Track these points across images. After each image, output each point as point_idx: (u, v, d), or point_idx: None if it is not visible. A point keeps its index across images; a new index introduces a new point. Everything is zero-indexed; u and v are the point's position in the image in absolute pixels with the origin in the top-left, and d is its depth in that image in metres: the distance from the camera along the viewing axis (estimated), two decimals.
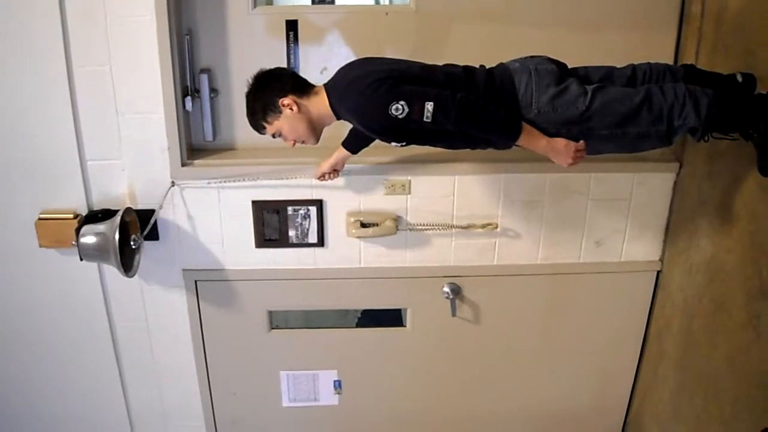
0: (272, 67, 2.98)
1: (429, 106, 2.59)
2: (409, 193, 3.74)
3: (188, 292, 3.95)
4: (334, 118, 2.91)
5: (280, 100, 2.86)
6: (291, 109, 2.86)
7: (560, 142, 2.71)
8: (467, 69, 2.84)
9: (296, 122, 2.91)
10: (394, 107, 2.60)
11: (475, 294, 4.04)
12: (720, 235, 3.36)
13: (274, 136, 2.99)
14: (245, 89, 2.95)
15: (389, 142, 2.86)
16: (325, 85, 2.92)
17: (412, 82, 2.68)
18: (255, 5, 3.60)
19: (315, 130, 2.97)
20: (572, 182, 3.75)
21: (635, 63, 3.00)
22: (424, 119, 2.61)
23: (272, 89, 2.88)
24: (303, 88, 2.92)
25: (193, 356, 4.14)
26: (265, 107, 2.89)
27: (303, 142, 3.00)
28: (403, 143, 2.86)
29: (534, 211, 3.82)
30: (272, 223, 3.79)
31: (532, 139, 2.71)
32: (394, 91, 2.62)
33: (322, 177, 3.51)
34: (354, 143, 3.35)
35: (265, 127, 2.96)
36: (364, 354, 4.25)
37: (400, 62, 2.84)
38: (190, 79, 3.62)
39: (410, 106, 2.60)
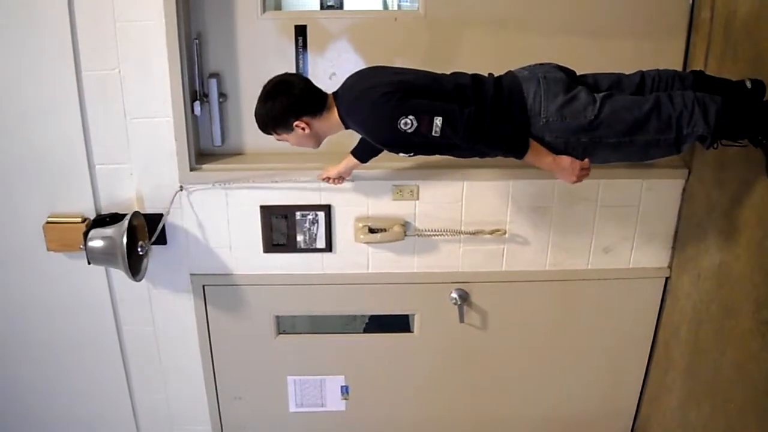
0: (285, 74, 2.94)
1: (437, 121, 2.60)
2: (418, 198, 3.73)
3: (196, 297, 3.95)
4: (343, 127, 2.91)
5: (294, 123, 2.85)
6: (303, 129, 2.86)
7: (565, 160, 2.73)
8: (476, 78, 2.83)
9: (304, 139, 2.93)
10: (402, 122, 2.60)
11: (483, 300, 4.03)
12: (728, 242, 3.35)
13: (278, 138, 3.00)
14: (256, 95, 2.91)
15: (397, 153, 2.85)
16: (334, 93, 2.91)
17: (420, 93, 2.68)
18: (264, 10, 3.61)
19: (319, 141, 3.00)
20: (581, 189, 3.73)
21: (644, 70, 3.00)
22: (433, 134, 2.62)
23: (286, 106, 2.84)
24: (318, 105, 2.87)
25: (200, 361, 4.14)
26: (276, 122, 2.88)
27: None
28: (412, 154, 2.85)
29: (542, 217, 3.81)
30: (280, 228, 3.79)
31: (538, 157, 2.72)
32: (403, 106, 2.62)
33: (326, 180, 3.51)
34: (363, 152, 3.34)
35: (271, 134, 2.96)
36: (372, 359, 4.24)
37: (408, 72, 2.84)
38: (199, 84, 3.63)
39: (419, 121, 2.60)
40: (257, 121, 2.93)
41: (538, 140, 2.71)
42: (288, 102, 2.83)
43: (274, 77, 2.90)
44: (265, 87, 2.88)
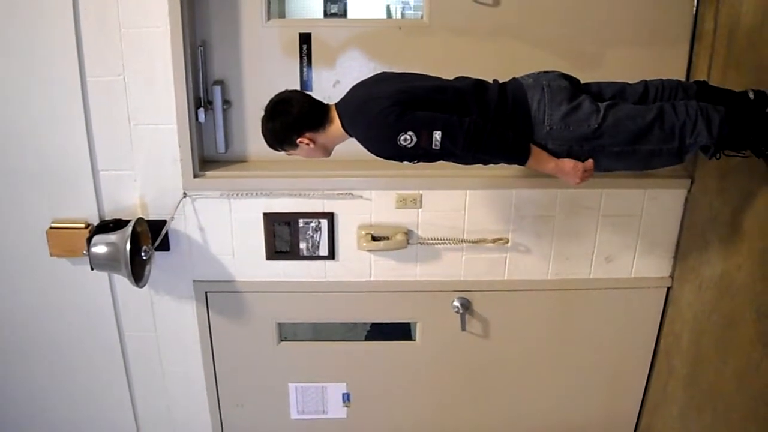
0: (284, 92, 2.94)
1: (437, 135, 2.60)
2: (421, 207, 3.74)
3: (198, 303, 3.95)
4: (348, 136, 2.91)
5: (298, 140, 2.86)
6: (307, 144, 2.87)
7: (568, 163, 2.72)
8: (479, 84, 2.83)
9: (312, 152, 2.93)
10: (402, 138, 2.61)
11: (485, 308, 4.04)
12: (730, 252, 3.35)
13: (288, 154, 3.00)
14: (261, 102, 2.91)
15: (401, 162, 2.85)
16: (336, 105, 2.91)
17: (421, 104, 2.68)
18: (269, 18, 3.62)
19: (328, 151, 2.99)
20: (583, 198, 3.75)
21: (648, 79, 3.00)
22: (433, 147, 2.63)
23: (288, 125, 2.85)
24: (319, 120, 2.87)
25: (202, 367, 4.14)
26: (281, 141, 2.89)
27: None
28: (415, 161, 2.85)
29: (545, 226, 3.82)
30: (283, 236, 3.80)
31: (540, 162, 2.72)
32: (402, 122, 2.62)
33: None
34: None
35: (280, 152, 2.97)
36: (373, 367, 4.24)
37: (408, 80, 2.84)
38: (203, 91, 3.64)
39: (418, 136, 2.61)
40: (265, 141, 2.95)
41: (540, 147, 2.71)
42: (288, 121, 2.84)
43: (274, 96, 2.90)
44: (266, 107, 2.89)
